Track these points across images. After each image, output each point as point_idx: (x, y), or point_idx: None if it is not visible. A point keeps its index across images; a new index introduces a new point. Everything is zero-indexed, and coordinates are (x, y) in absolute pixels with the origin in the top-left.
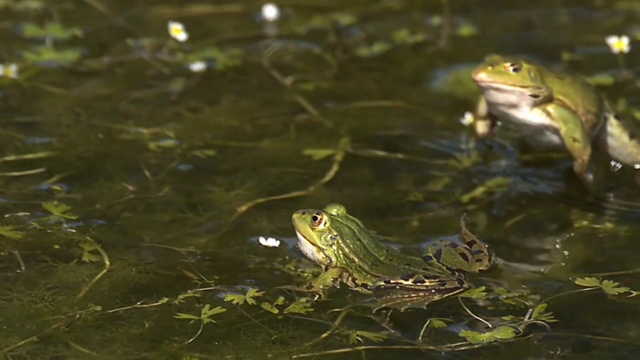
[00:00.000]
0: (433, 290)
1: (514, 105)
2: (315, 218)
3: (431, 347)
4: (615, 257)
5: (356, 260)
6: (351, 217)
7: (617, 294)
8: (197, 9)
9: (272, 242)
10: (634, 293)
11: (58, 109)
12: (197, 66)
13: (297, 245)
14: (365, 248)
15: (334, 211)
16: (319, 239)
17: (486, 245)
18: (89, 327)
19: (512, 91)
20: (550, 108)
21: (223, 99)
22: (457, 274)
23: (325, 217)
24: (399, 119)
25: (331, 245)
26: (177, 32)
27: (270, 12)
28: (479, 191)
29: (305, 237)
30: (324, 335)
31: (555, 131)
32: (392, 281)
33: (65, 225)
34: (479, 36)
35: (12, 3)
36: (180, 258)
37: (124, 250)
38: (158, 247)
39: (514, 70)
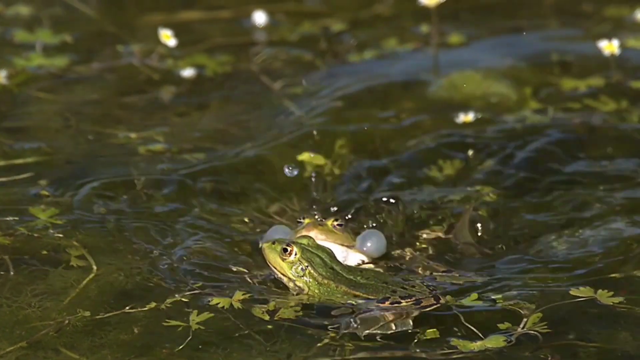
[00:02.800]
0: (408, 310)
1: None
2: (285, 249)
3: (423, 355)
4: (609, 262)
5: (332, 284)
6: (322, 246)
7: (611, 303)
8: (187, 15)
9: (240, 268)
10: (623, 299)
11: (47, 115)
12: (187, 72)
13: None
14: (339, 274)
15: (304, 242)
16: (290, 270)
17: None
18: (78, 332)
19: (341, 248)
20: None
21: (212, 105)
22: (434, 291)
23: (295, 248)
24: (391, 126)
25: (302, 277)
26: (167, 38)
27: (260, 18)
28: (465, 198)
29: (275, 268)
30: (316, 342)
31: None
32: (369, 306)
33: (53, 230)
34: (468, 44)
35: (1, 9)
36: (168, 262)
37: (112, 255)
38: (146, 251)
39: (339, 225)
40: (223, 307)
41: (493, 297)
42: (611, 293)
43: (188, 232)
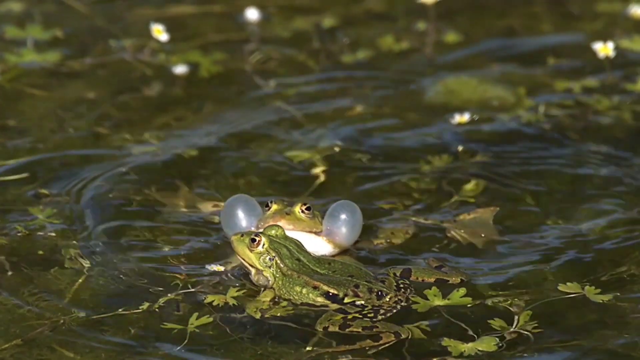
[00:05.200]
0: (367, 339)
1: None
2: (253, 240)
3: (414, 357)
4: (601, 260)
5: (295, 275)
6: (290, 237)
7: (601, 301)
8: (179, 9)
9: (217, 267)
10: (613, 296)
11: (40, 112)
12: (180, 69)
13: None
14: (305, 265)
15: (272, 232)
16: (258, 260)
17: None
18: (73, 331)
19: (310, 237)
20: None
21: (205, 102)
22: (402, 290)
23: (263, 239)
24: (388, 129)
25: (270, 267)
26: (159, 32)
27: (252, 14)
28: (454, 196)
29: (244, 259)
30: (306, 343)
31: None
32: (330, 328)
33: (49, 230)
34: (464, 43)
35: None
36: (164, 262)
37: (108, 255)
38: (141, 251)
39: (307, 209)
40: (218, 305)
41: (482, 293)
42: (599, 290)
43: (186, 230)
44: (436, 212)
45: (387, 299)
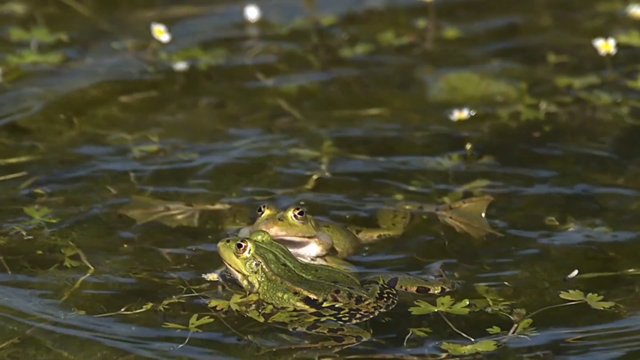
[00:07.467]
0: (332, 340)
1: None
2: (239, 245)
3: (415, 358)
4: (600, 262)
5: (278, 280)
6: (276, 243)
7: (602, 308)
8: (180, 10)
9: (214, 276)
10: (614, 303)
11: (41, 112)
12: (180, 65)
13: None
14: (291, 271)
15: (258, 238)
16: (244, 266)
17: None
18: (70, 331)
19: (302, 242)
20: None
21: (206, 101)
22: (384, 298)
23: (249, 244)
24: (394, 126)
25: (255, 273)
26: (160, 33)
27: (252, 12)
28: (458, 195)
29: (230, 265)
30: (308, 344)
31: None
32: (298, 328)
33: (47, 230)
34: (465, 39)
35: None
36: (164, 263)
37: (106, 254)
38: (141, 251)
39: (300, 214)
40: (222, 309)
41: (483, 298)
42: (601, 297)
43: (186, 230)
44: (432, 201)
45: (366, 304)
